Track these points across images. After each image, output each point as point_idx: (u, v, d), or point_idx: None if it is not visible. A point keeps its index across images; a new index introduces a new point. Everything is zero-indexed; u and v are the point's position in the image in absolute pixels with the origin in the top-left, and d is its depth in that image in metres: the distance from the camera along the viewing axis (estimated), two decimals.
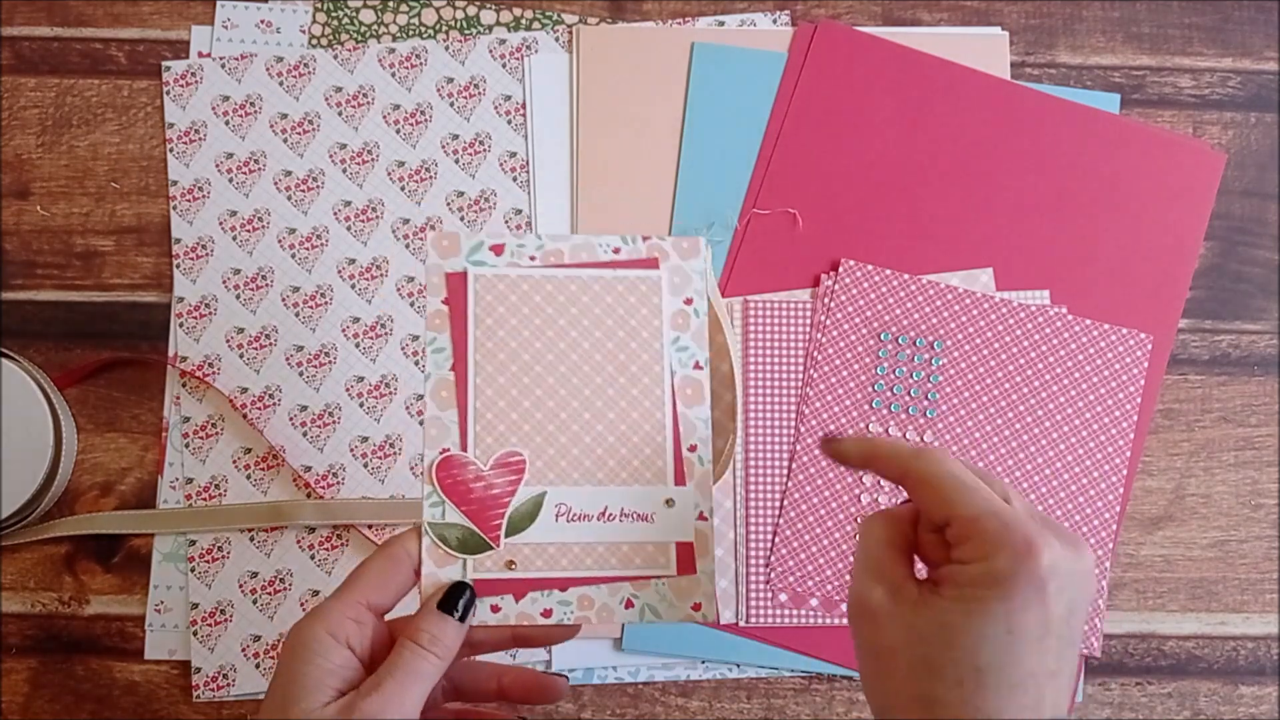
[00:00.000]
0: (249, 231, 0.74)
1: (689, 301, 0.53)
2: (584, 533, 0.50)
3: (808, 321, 0.72)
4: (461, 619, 0.48)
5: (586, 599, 0.50)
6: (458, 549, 0.50)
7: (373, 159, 0.75)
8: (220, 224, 0.74)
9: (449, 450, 0.51)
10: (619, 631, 0.70)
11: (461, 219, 0.74)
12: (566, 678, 0.54)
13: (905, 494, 0.46)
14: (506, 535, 0.50)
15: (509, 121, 0.75)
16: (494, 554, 0.50)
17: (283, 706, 0.46)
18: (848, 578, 0.70)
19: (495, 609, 0.50)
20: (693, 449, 0.52)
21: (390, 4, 0.77)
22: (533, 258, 0.52)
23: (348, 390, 0.72)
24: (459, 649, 0.48)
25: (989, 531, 0.42)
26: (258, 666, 0.70)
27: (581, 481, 0.51)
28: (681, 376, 0.52)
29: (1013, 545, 0.42)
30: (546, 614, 0.50)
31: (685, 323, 0.53)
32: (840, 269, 0.73)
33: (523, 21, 0.77)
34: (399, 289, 0.73)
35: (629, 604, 0.50)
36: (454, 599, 0.48)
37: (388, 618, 0.50)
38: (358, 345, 0.73)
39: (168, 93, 0.75)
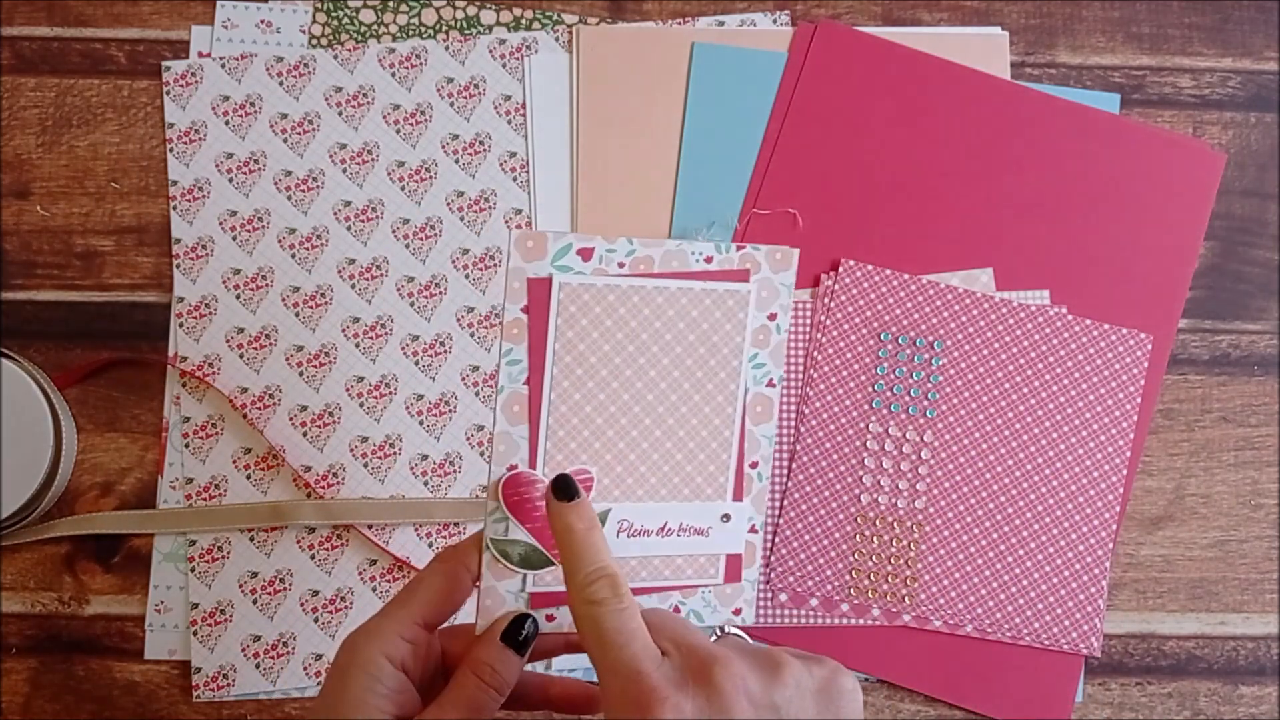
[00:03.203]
0: (249, 231, 0.74)
1: (773, 317, 0.52)
2: (642, 547, 0.50)
3: (808, 321, 0.72)
4: (521, 653, 0.48)
5: None
6: (520, 565, 0.49)
7: (373, 159, 0.75)
8: (220, 224, 0.74)
9: (517, 467, 0.49)
10: None
11: (461, 219, 0.74)
12: None
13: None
14: None
15: (509, 121, 0.75)
16: (554, 569, 0.49)
17: None
18: (848, 578, 0.70)
19: (550, 619, 0.50)
20: (754, 465, 0.51)
21: (390, 4, 0.77)
22: (621, 264, 0.50)
23: (348, 390, 0.72)
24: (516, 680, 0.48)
25: (610, 693, 0.41)
26: (258, 666, 0.70)
27: (645, 498, 0.50)
28: (754, 394, 0.51)
29: (625, 707, 0.40)
30: None
31: (766, 339, 0.52)
32: (840, 269, 0.73)
33: (523, 21, 0.77)
34: (399, 289, 0.73)
35: (676, 610, 0.51)
36: (517, 631, 0.48)
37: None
38: (358, 345, 0.73)
39: (168, 93, 0.75)
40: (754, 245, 0.51)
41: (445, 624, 0.50)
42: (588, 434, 0.50)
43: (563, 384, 0.49)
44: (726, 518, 0.51)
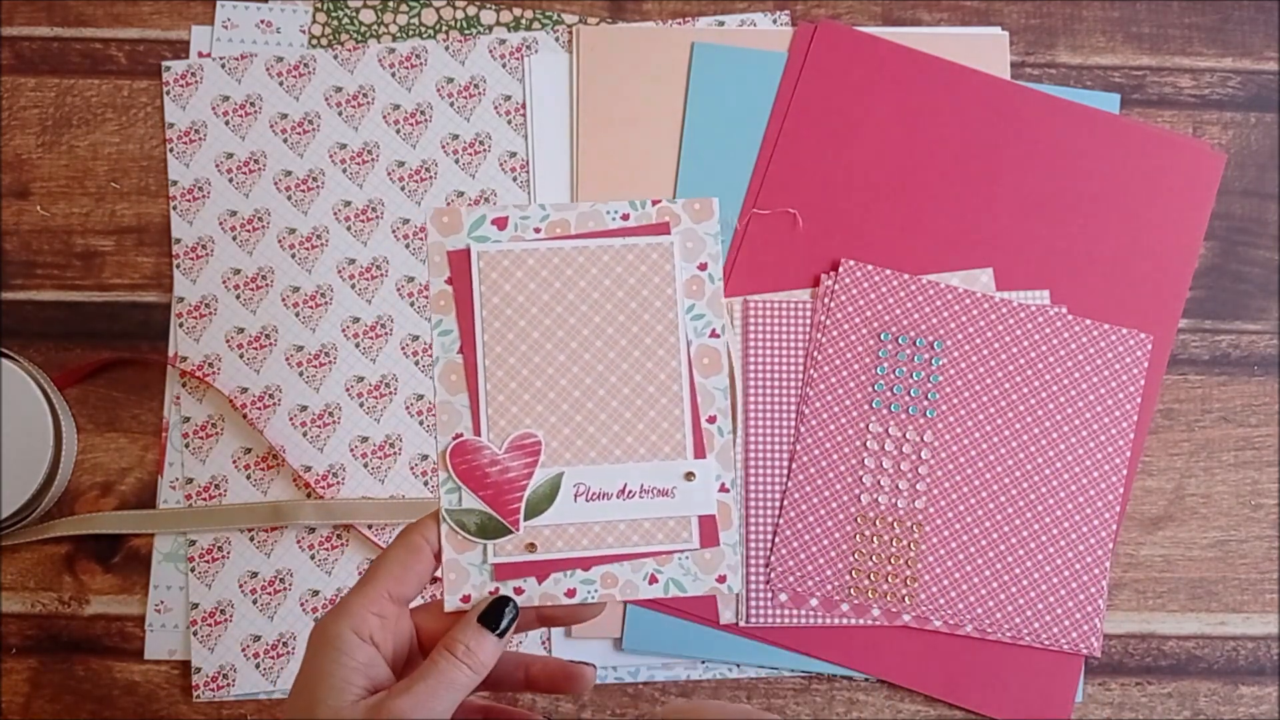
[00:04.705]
0: (249, 231, 0.74)
1: (703, 267, 0.51)
2: (604, 511, 0.50)
3: (808, 321, 0.72)
4: (501, 634, 0.47)
5: (610, 577, 0.50)
6: (477, 534, 0.49)
7: (373, 159, 0.75)
8: (220, 224, 0.74)
9: (462, 435, 0.50)
10: (619, 631, 0.70)
11: None
12: (594, 666, 0.53)
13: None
14: (525, 518, 0.49)
15: (509, 121, 0.75)
16: (514, 537, 0.49)
17: (309, 705, 0.45)
18: (848, 578, 0.70)
19: (519, 591, 0.49)
20: (712, 420, 0.51)
21: (390, 4, 0.77)
22: (537, 230, 0.51)
23: (348, 390, 0.72)
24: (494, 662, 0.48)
25: None
26: (258, 666, 0.70)
27: (599, 460, 0.50)
28: (698, 346, 0.51)
29: None
30: (570, 594, 0.49)
31: (700, 289, 0.51)
32: (840, 269, 0.73)
33: (523, 21, 0.77)
34: (399, 289, 0.73)
35: (653, 579, 0.50)
36: (497, 614, 0.48)
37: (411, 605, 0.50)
38: (358, 345, 0.73)
39: (168, 93, 0.75)
40: (670, 199, 0.51)
41: (415, 599, 0.49)
42: (528, 397, 0.50)
43: (495, 349, 0.50)
44: (690, 476, 0.50)
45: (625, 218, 0.51)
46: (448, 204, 0.74)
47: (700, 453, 0.51)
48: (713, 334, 0.51)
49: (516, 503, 0.49)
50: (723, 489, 0.51)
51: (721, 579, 0.50)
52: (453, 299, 0.50)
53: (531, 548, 0.49)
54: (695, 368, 0.51)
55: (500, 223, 0.51)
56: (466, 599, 0.49)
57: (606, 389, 0.50)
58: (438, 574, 0.49)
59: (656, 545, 0.50)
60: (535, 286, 0.50)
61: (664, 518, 0.50)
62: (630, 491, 0.50)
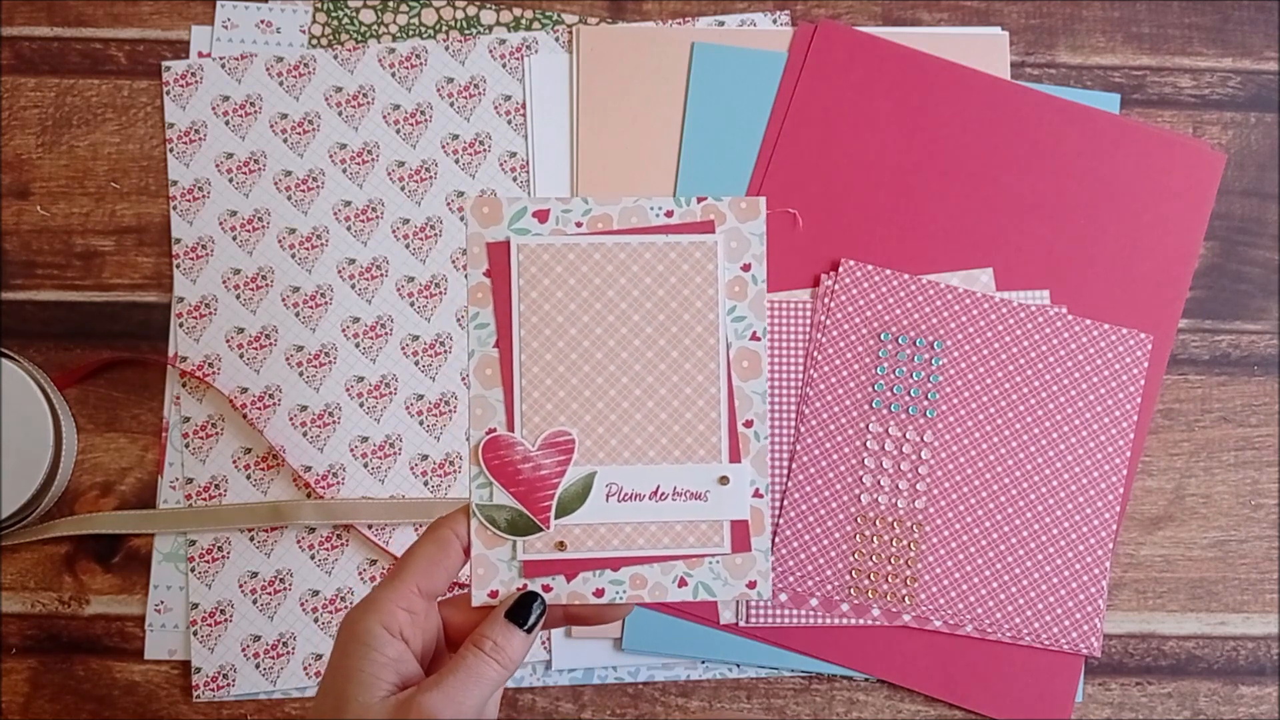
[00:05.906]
0: (249, 231, 0.74)
1: (747, 268, 0.50)
2: (636, 512, 0.49)
3: (808, 321, 0.72)
4: (529, 630, 0.47)
5: (639, 578, 0.49)
6: (507, 530, 0.49)
7: (373, 159, 0.75)
8: (220, 224, 0.74)
9: (495, 430, 0.49)
10: (619, 631, 0.70)
11: (461, 219, 0.74)
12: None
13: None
14: (556, 516, 0.49)
15: (509, 121, 0.75)
16: (544, 535, 0.49)
17: (338, 703, 0.46)
18: (848, 578, 0.70)
19: (547, 589, 0.49)
20: (749, 424, 0.50)
21: (390, 4, 0.77)
22: (579, 224, 0.50)
23: (348, 390, 0.72)
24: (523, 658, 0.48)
25: None
26: (258, 666, 0.70)
27: (632, 460, 0.50)
28: (738, 348, 0.50)
29: None
30: (598, 593, 0.49)
31: (743, 290, 0.50)
32: (840, 269, 0.73)
33: (523, 21, 0.77)
34: (399, 289, 0.73)
35: (682, 582, 0.50)
36: (524, 610, 0.48)
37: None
38: (358, 345, 0.73)
39: (168, 93, 0.75)
40: (715, 196, 0.50)
41: (443, 594, 0.50)
42: (563, 394, 0.50)
43: (532, 345, 0.50)
44: (725, 480, 0.50)
45: (669, 214, 0.50)
46: (448, 204, 0.74)
47: (735, 457, 0.50)
48: (753, 337, 0.50)
49: (548, 500, 0.49)
50: (756, 494, 0.50)
51: (752, 584, 0.50)
52: (490, 292, 0.50)
53: (561, 546, 0.49)
54: (734, 370, 0.50)
55: (541, 215, 0.50)
56: (494, 594, 0.49)
57: (643, 389, 0.50)
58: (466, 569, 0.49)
59: (687, 549, 0.50)
60: (574, 282, 0.50)
61: (696, 521, 0.50)
62: (663, 493, 0.50)
